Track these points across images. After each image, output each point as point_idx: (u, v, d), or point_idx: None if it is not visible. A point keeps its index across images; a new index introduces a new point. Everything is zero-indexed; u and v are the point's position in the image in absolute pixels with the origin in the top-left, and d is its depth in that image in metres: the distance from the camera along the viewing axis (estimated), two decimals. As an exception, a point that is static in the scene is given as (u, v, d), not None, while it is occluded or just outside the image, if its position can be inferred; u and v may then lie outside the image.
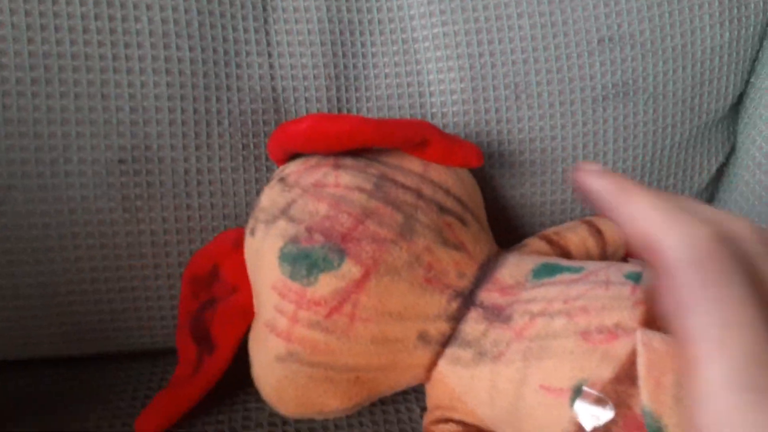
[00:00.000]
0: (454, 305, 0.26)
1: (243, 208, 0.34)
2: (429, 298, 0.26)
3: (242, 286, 0.29)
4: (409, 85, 0.36)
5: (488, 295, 0.26)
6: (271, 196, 0.28)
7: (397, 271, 0.25)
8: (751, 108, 0.39)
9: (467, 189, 0.31)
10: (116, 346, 0.35)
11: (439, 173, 0.29)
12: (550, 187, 0.38)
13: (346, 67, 0.35)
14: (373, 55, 0.36)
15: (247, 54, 0.34)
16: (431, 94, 0.36)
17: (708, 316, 0.14)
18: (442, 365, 0.26)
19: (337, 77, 0.35)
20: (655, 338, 0.20)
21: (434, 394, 0.27)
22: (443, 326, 0.26)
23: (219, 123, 0.33)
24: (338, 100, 0.35)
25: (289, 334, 0.25)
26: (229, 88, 0.34)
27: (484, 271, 0.27)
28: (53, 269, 0.32)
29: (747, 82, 0.40)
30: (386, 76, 0.36)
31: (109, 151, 0.32)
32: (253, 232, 0.28)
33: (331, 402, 0.26)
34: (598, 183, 0.18)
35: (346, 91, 0.35)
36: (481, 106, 0.36)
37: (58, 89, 0.31)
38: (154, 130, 0.32)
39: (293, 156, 0.30)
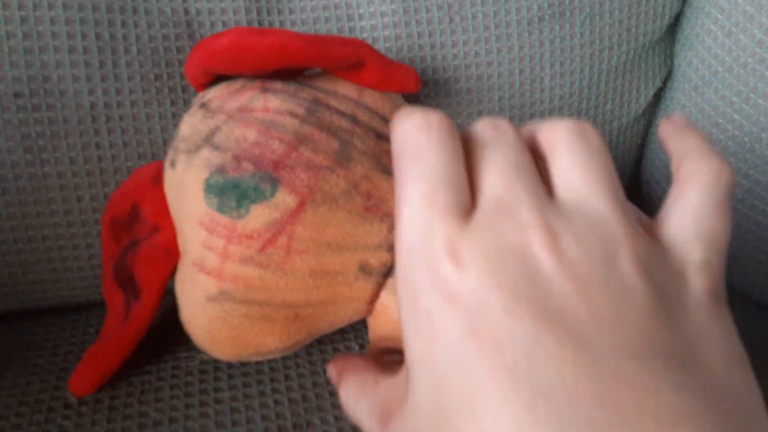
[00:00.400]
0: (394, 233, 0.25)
1: (160, 146, 0.32)
2: (369, 227, 0.24)
3: (164, 224, 0.26)
4: (336, 6, 0.33)
5: None
6: (192, 124, 0.25)
7: (335, 199, 0.23)
8: (688, 28, 0.39)
9: None
10: (32, 302, 0.32)
11: (374, 99, 0.27)
12: (487, 116, 0.37)
13: (267, -12, 0.32)
14: (296, -26, 0.33)
15: (155, -26, 0.31)
16: (360, 17, 0.34)
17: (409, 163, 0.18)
18: (385, 296, 0.25)
19: None
20: None
21: (377, 327, 0.26)
22: (384, 256, 0.25)
23: (126, 50, 0.30)
24: (259, 23, 0.32)
25: (220, 272, 0.23)
26: (135, 11, 0.30)
27: None
28: (-54, 218, 0.29)
29: (684, 1, 0.39)
30: (311, -2, 0.33)
31: (1, 83, 0.28)
32: (173, 164, 0.25)
33: (269, 341, 0.25)
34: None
35: (268, 14, 0.33)
36: (413, 30, 0.34)
37: (-70, 12, 0.27)
38: (53, 59, 0.29)
39: (214, 80, 0.28)
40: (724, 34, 0.36)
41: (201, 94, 0.28)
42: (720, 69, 0.36)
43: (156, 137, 0.31)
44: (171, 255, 0.26)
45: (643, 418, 0.13)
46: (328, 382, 0.28)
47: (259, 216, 0.23)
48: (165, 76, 0.31)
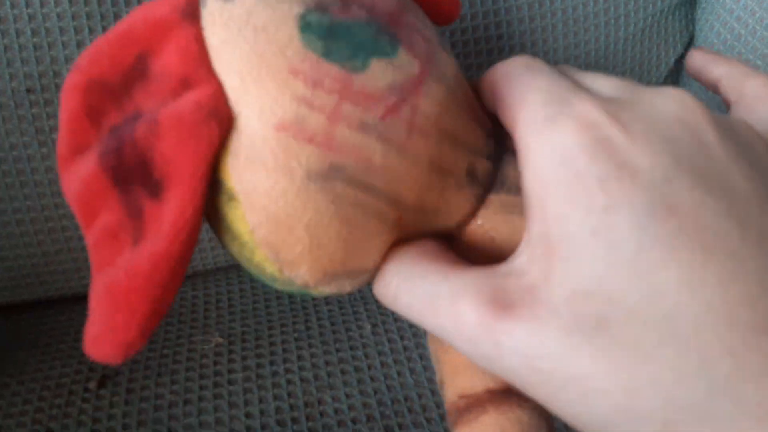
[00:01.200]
0: (491, 144, 0.21)
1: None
2: (473, 129, 0.20)
3: (201, 78, 0.17)
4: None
5: (510, 142, 0.21)
6: None
7: (448, 82, 0.19)
8: (709, -9, 0.37)
9: None
10: (55, 291, 0.33)
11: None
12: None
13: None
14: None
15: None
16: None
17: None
18: (488, 216, 0.21)
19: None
20: None
21: (471, 251, 0.21)
22: (486, 164, 0.20)
23: (133, 42, 0.31)
24: None
25: (329, 138, 0.17)
26: (140, 3, 0.31)
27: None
28: (-31, 212, 0.30)
29: (704, -38, 0.37)
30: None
31: (14, 80, 0.29)
32: None
33: (372, 253, 0.19)
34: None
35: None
36: (419, 7, 0.34)
37: (-58, 13, 0.28)
38: (61, 54, 0.30)
39: None
40: (746, -6, 0.34)
41: None
42: (743, 32, 0.34)
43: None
44: (221, 120, 0.16)
45: None
46: (339, 361, 0.28)
47: (381, 73, 0.17)
48: (172, 66, 0.32)
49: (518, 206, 0.20)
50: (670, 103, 0.16)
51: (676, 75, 0.40)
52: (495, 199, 0.21)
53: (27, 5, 0.29)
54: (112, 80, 0.17)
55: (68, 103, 0.18)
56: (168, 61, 0.17)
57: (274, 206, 0.17)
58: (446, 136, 0.19)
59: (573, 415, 0.14)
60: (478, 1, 0.34)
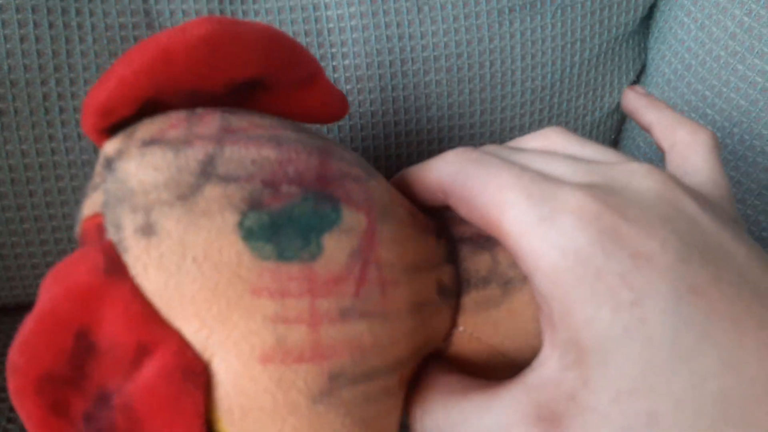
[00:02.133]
0: (443, 244, 0.20)
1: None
2: (425, 241, 0.19)
3: (156, 336, 0.15)
4: (300, -4, 0.33)
5: (459, 228, 0.21)
6: (153, 165, 0.16)
7: (391, 212, 0.18)
8: (661, 21, 0.38)
9: None
10: (-16, 298, 0.31)
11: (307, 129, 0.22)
12: (457, 110, 0.36)
13: (228, -24, 0.31)
14: (260, -37, 0.32)
15: (112, -39, 0.30)
16: (327, 6, 0.33)
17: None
18: (468, 320, 0.20)
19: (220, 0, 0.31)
20: None
21: (459, 355, 0.21)
22: (449, 269, 0.20)
23: (81, 40, 0.29)
24: (221, 11, 0.31)
25: (319, 346, 0.15)
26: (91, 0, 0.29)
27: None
28: None
29: (657, -6, 0.38)
30: (276, -13, 0.32)
31: (-54, 73, 0.27)
32: (149, 231, 0.15)
33: (393, 425, 0.18)
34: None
35: (231, 3, 0.32)
36: (381, 20, 0.33)
37: None
38: (3, 49, 0.28)
39: (117, 126, 0.18)
40: (697, 27, 0.35)
41: (112, 143, 0.17)
42: (693, 62, 0.36)
43: (113, 130, 0.30)
44: (196, 378, 0.15)
45: None
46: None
47: (338, 248, 0.16)
48: (122, 67, 0.30)
49: (491, 298, 0.20)
50: (646, 181, 0.16)
51: (628, 101, 0.41)
52: (467, 301, 0.20)
53: (-35, -6, 0.27)
54: (59, 370, 0.15)
55: (26, 408, 0.15)
56: (112, 331, 0.15)
57: None
58: (411, 269, 0.18)
59: None
60: (440, 18, 0.34)
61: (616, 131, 0.42)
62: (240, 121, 0.18)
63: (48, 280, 0.15)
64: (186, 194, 0.15)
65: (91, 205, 0.17)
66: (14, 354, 0.15)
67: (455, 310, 0.20)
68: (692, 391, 0.13)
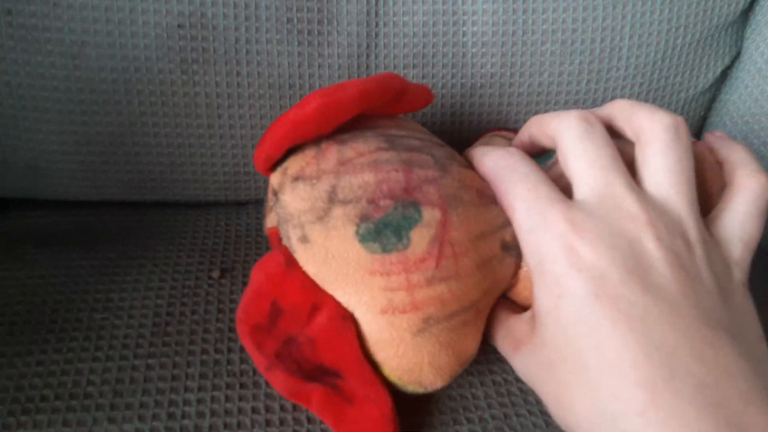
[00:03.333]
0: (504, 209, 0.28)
1: (286, 79, 0.38)
2: (491, 210, 0.26)
3: (322, 300, 0.24)
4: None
5: None
6: (300, 197, 0.25)
7: (461, 198, 0.26)
8: (759, 14, 0.42)
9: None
10: (174, 195, 0.39)
11: (399, 123, 0.30)
12: (567, 77, 0.41)
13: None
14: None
15: (295, -71, 0.36)
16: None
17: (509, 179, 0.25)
18: (523, 275, 0.28)
19: (377, -42, 0.37)
20: None
21: (518, 293, 0.28)
22: (510, 229, 0.27)
23: (268, -5, 0.36)
24: (376, 14, 0.37)
25: (414, 303, 0.24)
26: (278, -38, 0.36)
27: None
28: (121, 121, 0.36)
29: (762, -13, 0.42)
30: (423, -41, 0.38)
31: (169, 15, 0.35)
32: (305, 240, 0.25)
33: (473, 344, 0.26)
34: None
35: (385, 15, 0.38)
36: (510, -5, 0.39)
37: (125, -48, 0.33)
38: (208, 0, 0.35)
39: (282, 158, 0.28)
40: (795, 23, 0.39)
41: (275, 176, 0.27)
42: (786, 54, 0.39)
43: (283, 71, 0.37)
44: (350, 320, 0.24)
45: (720, 372, 0.19)
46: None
47: (421, 238, 0.24)
48: (294, 20, 0.37)
49: None
50: (622, 221, 0.22)
51: (719, 83, 0.45)
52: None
53: (189, -47, 0.34)
54: (262, 323, 0.25)
55: (245, 343, 0.26)
56: (293, 300, 0.25)
57: (404, 361, 0.24)
58: (477, 237, 0.25)
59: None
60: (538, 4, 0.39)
61: (705, 108, 0.46)
62: (350, 151, 0.26)
63: (255, 269, 0.26)
64: (322, 216, 0.25)
65: (271, 221, 0.28)
66: (239, 312, 0.26)
67: (519, 256, 0.27)
68: (594, 349, 0.21)
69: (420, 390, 0.25)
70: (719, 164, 0.27)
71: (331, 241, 0.24)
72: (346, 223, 0.24)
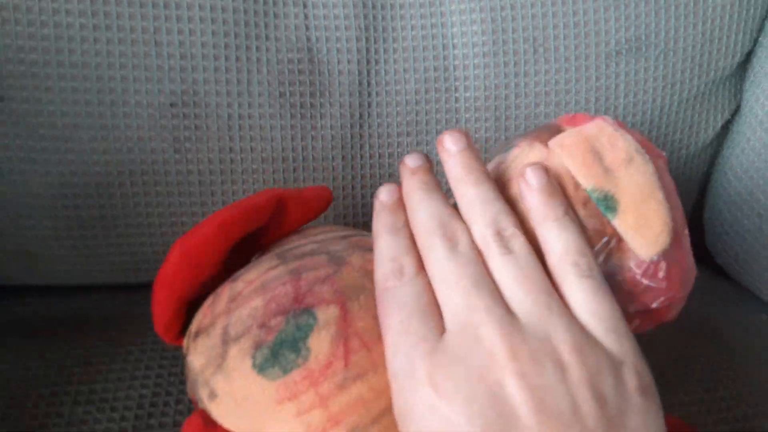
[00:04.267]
0: None
1: (279, 153, 0.37)
2: None
3: None
4: (434, 37, 0.38)
5: None
6: (199, 353, 0.24)
7: (363, 287, 0.24)
8: (758, 66, 0.42)
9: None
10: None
11: (307, 232, 0.29)
12: (564, 137, 0.41)
13: (375, 18, 0.38)
14: (401, 6, 0.38)
15: (284, 5, 0.36)
16: (454, 47, 0.39)
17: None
18: None
19: (366, 29, 0.38)
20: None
21: None
22: None
23: (258, 71, 0.36)
24: (367, 50, 0.38)
25: (332, 417, 0.21)
26: (267, 38, 0.36)
27: None
28: (113, 203, 0.35)
29: (755, 40, 0.42)
30: (412, 28, 0.38)
31: (161, 95, 0.35)
32: (213, 396, 0.23)
33: None
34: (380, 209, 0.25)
35: (375, 42, 0.38)
36: (501, 59, 0.39)
37: (116, 35, 0.33)
38: (201, 77, 0.35)
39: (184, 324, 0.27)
40: (792, 74, 0.38)
41: (185, 341, 0.26)
42: (786, 105, 0.39)
43: (277, 145, 0.37)
44: None
45: None
46: None
47: (320, 342, 0.22)
48: (288, 94, 0.37)
49: None
50: (482, 359, 0.19)
51: (722, 137, 0.45)
52: None
53: (178, 32, 0.35)
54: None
55: None
56: None
57: None
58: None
59: None
60: (552, 58, 0.39)
61: (708, 164, 0.45)
62: (240, 284, 0.25)
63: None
64: (220, 363, 0.23)
65: (188, 387, 0.25)
66: None
67: None
68: None
69: None
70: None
71: (233, 385, 0.22)
72: (243, 358, 0.22)
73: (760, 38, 0.42)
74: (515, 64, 0.39)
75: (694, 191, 0.46)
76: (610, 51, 0.39)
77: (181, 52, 0.35)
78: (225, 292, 0.25)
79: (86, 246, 0.36)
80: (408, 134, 0.39)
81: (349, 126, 0.38)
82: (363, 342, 0.22)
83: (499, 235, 0.22)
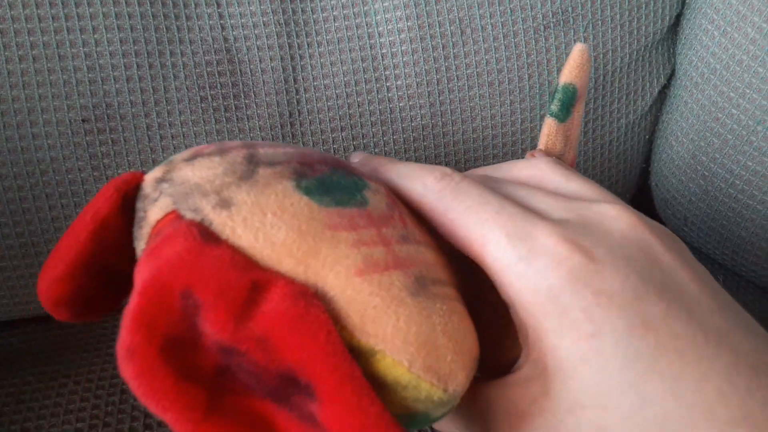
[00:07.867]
0: None
1: (208, 159, 0.36)
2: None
3: (264, 279, 0.16)
4: (358, 27, 0.37)
5: None
6: (207, 166, 0.18)
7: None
8: (688, 28, 0.41)
9: None
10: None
11: None
12: (500, 119, 0.40)
13: (295, 12, 0.36)
14: None
15: (196, 5, 0.35)
16: (380, 35, 0.37)
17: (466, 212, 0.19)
18: None
19: (286, 23, 0.36)
20: None
21: None
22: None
23: (175, 77, 0.34)
24: (290, 46, 0.36)
25: (397, 259, 0.18)
26: (181, 41, 0.35)
27: None
28: (32, 230, 0.33)
29: (683, 2, 0.41)
30: (335, 18, 0.37)
31: (71, 111, 0.33)
32: (226, 204, 0.17)
33: (471, 337, 0.19)
34: (365, 165, 0.23)
35: (297, 36, 0.36)
36: (429, 44, 0.38)
37: (16, 53, 0.31)
38: (113, 88, 0.33)
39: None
40: (720, 33, 0.38)
41: (151, 178, 0.19)
42: (718, 66, 0.39)
43: (203, 152, 0.36)
44: (311, 296, 0.16)
45: (741, 368, 0.16)
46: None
47: (376, 200, 0.19)
48: (209, 98, 0.35)
49: None
50: (616, 223, 0.18)
51: (660, 103, 0.44)
52: None
53: (83, 44, 0.33)
54: (175, 331, 0.15)
55: (156, 386, 0.15)
56: (219, 281, 0.16)
57: (411, 332, 0.17)
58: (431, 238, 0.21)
59: None
60: (481, 38, 0.38)
61: (649, 131, 0.45)
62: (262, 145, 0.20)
63: (142, 261, 0.16)
64: (245, 176, 0.18)
65: (156, 214, 0.18)
66: (126, 337, 0.15)
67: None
68: (639, 412, 0.15)
69: (437, 399, 0.17)
70: None
71: (267, 198, 0.17)
72: (281, 180, 0.18)
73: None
74: (444, 47, 0.38)
75: (639, 159, 0.46)
76: (538, 25, 0.38)
77: (87, 64, 0.33)
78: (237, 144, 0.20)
79: (8, 278, 0.34)
80: (342, 129, 0.38)
81: (279, 126, 0.37)
82: (413, 221, 0.20)
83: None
